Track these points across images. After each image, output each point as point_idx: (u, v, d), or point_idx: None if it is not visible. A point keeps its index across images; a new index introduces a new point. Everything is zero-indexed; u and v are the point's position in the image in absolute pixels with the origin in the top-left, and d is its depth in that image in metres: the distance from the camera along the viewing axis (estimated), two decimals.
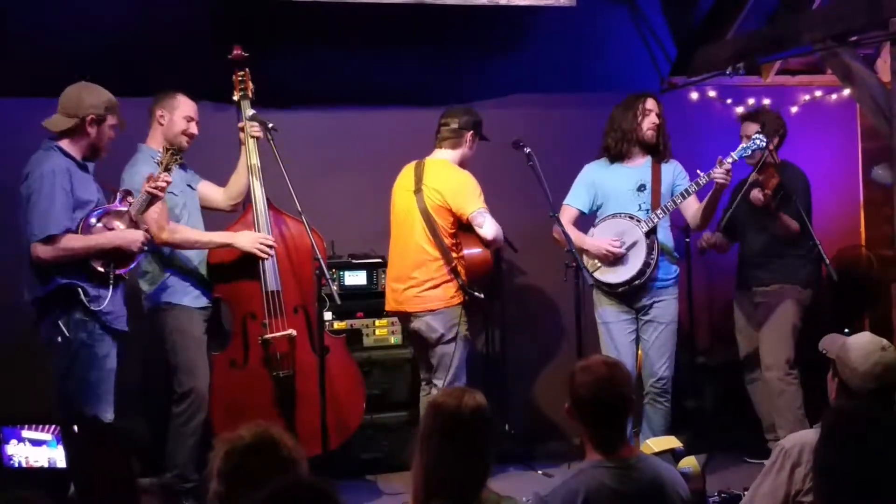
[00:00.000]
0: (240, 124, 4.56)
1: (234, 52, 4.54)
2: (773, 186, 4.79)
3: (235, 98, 4.57)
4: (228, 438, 2.20)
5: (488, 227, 4.51)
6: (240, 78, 4.56)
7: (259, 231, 4.44)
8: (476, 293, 4.54)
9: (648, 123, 4.78)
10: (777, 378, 4.96)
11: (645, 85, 5.80)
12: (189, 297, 4.40)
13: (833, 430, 2.24)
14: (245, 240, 4.39)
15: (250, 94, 4.56)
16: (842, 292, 5.32)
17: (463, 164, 4.74)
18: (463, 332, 4.56)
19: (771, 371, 4.99)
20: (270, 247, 4.41)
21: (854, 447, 2.15)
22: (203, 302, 4.45)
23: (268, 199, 4.51)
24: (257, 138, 4.50)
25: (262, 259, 4.40)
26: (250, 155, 4.49)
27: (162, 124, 4.44)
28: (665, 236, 4.77)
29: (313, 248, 4.25)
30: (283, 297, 4.44)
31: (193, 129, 4.48)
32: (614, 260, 4.67)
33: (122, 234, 3.91)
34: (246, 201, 4.57)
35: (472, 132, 4.74)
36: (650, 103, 4.81)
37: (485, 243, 4.60)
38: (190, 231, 4.39)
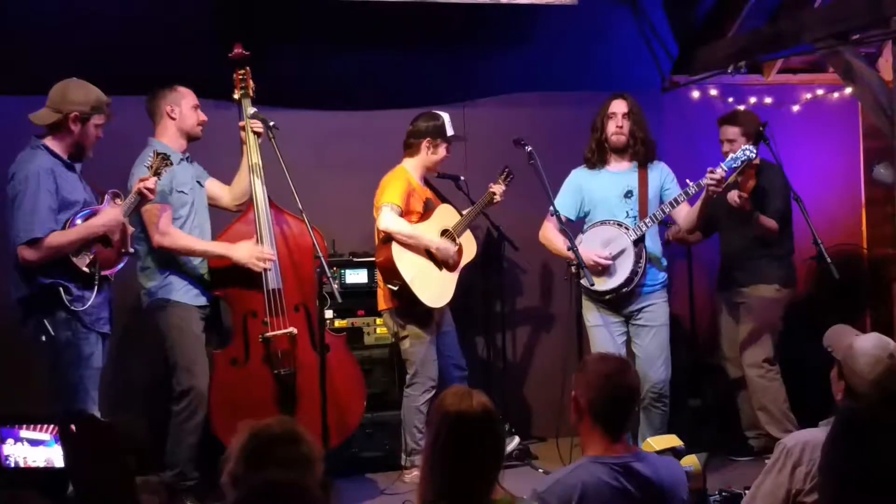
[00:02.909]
0: (241, 123, 4.55)
1: (235, 50, 4.53)
2: (750, 189, 4.80)
3: (236, 97, 4.56)
4: (256, 424, 2.24)
5: (381, 218, 4.71)
6: (240, 76, 4.55)
7: (260, 230, 4.43)
8: (390, 286, 4.76)
9: (612, 128, 4.70)
10: (758, 376, 5.03)
11: (646, 83, 5.82)
12: (189, 296, 4.40)
13: (843, 429, 2.22)
14: (242, 252, 4.36)
15: (251, 93, 4.55)
16: (839, 290, 5.32)
17: (428, 169, 4.98)
18: (407, 332, 4.81)
19: (751, 369, 5.05)
20: (268, 259, 4.38)
21: (864, 447, 2.13)
22: (202, 300, 4.45)
23: (269, 198, 4.51)
24: (259, 135, 4.50)
25: (255, 270, 4.36)
26: (251, 153, 4.49)
27: (174, 118, 4.43)
28: (653, 243, 4.73)
29: (314, 246, 4.25)
30: (284, 296, 4.44)
31: (202, 115, 4.51)
32: (602, 269, 4.64)
33: (100, 220, 3.86)
34: (247, 199, 4.57)
35: (427, 139, 4.89)
36: (614, 105, 4.71)
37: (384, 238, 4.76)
38: (189, 239, 4.37)
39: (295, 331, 4.41)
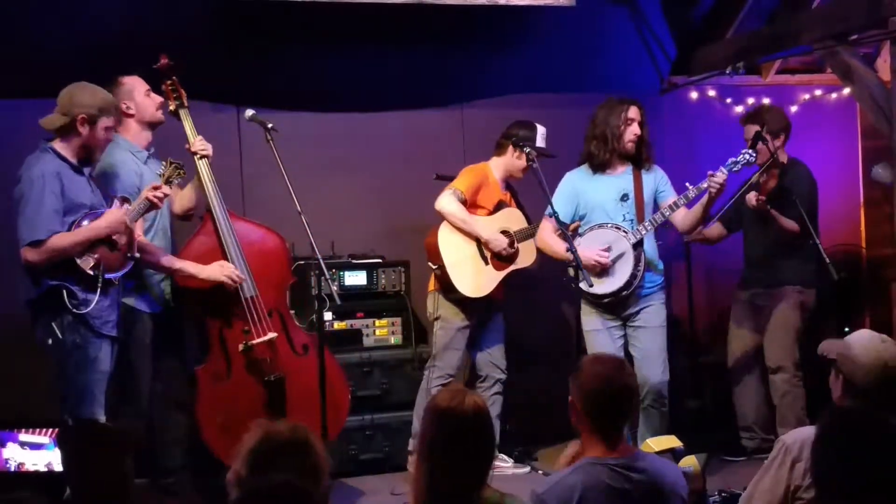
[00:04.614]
0: (186, 146, 4.40)
1: (161, 61, 4.39)
2: (769, 190, 4.80)
3: (172, 108, 4.40)
4: (269, 427, 2.24)
5: (438, 198, 4.84)
6: (170, 87, 4.40)
7: (227, 247, 4.34)
8: (430, 263, 4.91)
9: (630, 135, 4.67)
10: (784, 380, 4.99)
11: (645, 85, 5.82)
12: (143, 303, 4.30)
13: (829, 430, 2.24)
14: (211, 270, 4.28)
15: (185, 102, 4.41)
16: (839, 291, 5.33)
17: (511, 174, 5.06)
18: (439, 314, 4.92)
19: (778, 373, 5.01)
20: (237, 277, 4.31)
21: (850, 447, 2.15)
22: (156, 308, 4.35)
23: (227, 210, 4.40)
24: (207, 157, 4.38)
25: (229, 287, 4.29)
26: (206, 183, 4.36)
27: (131, 114, 4.34)
28: (650, 247, 4.70)
29: (313, 249, 4.22)
30: (261, 302, 4.37)
31: (157, 97, 4.40)
32: (601, 271, 4.61)
33: (103, 221, 3.84)
34: (204, 210, 4.45)
35: (512, 144, 4.96)
36: (633, 112, 4.67)
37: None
38: (163, 256, 4.27)
39: (276, 335, 4.37)
